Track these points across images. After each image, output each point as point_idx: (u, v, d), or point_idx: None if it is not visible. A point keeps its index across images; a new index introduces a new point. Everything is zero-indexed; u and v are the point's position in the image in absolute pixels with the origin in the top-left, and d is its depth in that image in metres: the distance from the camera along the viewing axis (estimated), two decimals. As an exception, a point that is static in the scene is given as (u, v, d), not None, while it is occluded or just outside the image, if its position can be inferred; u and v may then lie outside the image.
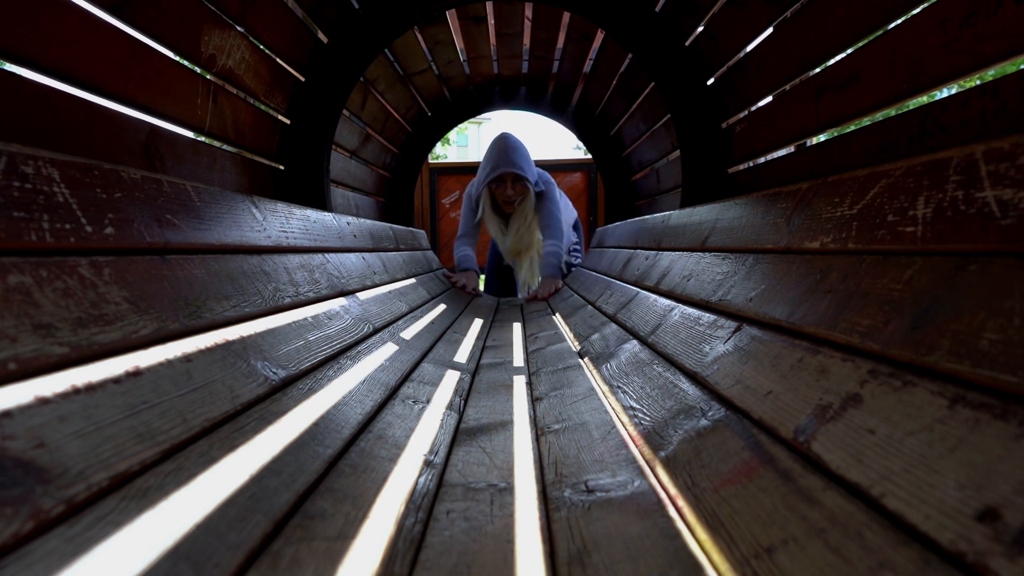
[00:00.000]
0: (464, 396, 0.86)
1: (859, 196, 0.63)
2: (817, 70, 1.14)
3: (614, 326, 1.19)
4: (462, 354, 1.22)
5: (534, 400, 0.84)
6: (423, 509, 0.47)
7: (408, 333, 1.20)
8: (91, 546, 0.31)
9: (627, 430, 0.64)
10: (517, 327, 1.70)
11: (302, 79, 1.65)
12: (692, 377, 0.72)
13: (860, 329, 0.50)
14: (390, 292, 1.45)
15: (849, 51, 1.02)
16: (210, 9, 1.14)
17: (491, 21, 2.54)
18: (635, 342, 0.99)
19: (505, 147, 2.40)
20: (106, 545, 0.32)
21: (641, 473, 0.51)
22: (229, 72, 1.25)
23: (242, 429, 0.52)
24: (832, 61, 1.08)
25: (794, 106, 1.25)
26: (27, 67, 0.75)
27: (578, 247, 2.91)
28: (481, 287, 3.01)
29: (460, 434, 0.70)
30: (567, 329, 1.44)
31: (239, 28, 1.25)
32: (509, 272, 2.83)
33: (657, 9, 1.75)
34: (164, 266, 0.63)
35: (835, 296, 0.58)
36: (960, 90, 0.77)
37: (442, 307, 1.88)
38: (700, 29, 1.63)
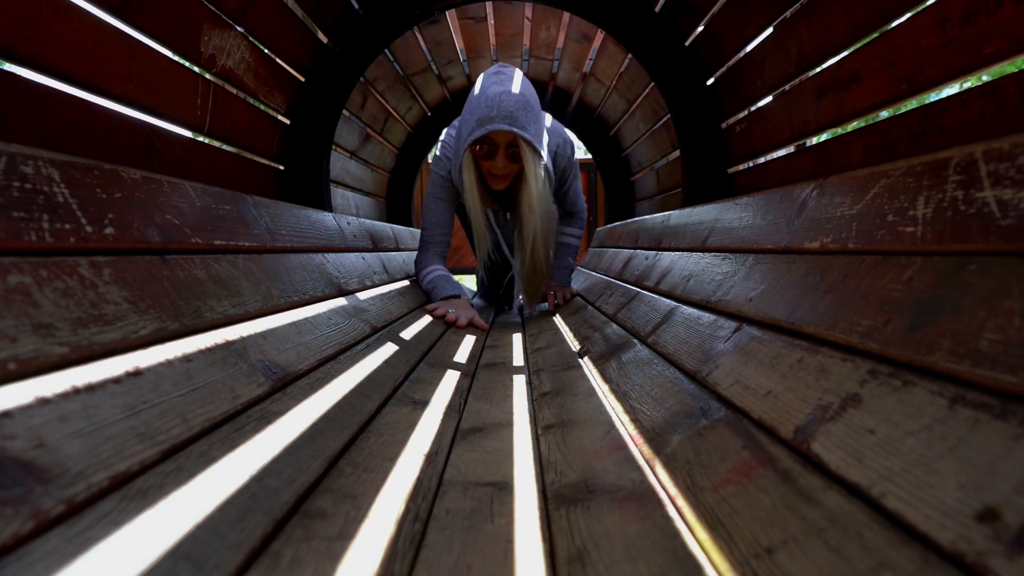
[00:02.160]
0: (464, 396, 0.86)
1: (859, 196, 0.63)
2: (817, 70, 1.14)
3: (614, 326, 1.19)
4: (462, 354, 1.22)
5: (534, 400, 0.84)
6: (423, 508, 0.47)
7: (408, 333, 1.20)
8: (91, 546, 0.31)
9: (627, 430, 0.64)
10: (517, 327, 1.70)
11: (302, 79, 1.65)
12: (692, 377, 0.72)
13: (860, 329, 0.50)
14: (390, 292, 1.45)
15: (849, 51, 1.02)
16: (210, 9, 1.14)
17: (491, 21, 2.54)
18: (635, 342, 0.99)
19: (501, 90, 1.41)
20: (106, 545, 0.32)
21: (641, 473, 0.51)
22: (229, 72, 1.25)
23: (242, 429, 0.52)
24: (832, 61, 1.08)
25: (794, 106, 1.25)
26: (27, 67, 0.75)
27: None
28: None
29: (460, 433, 0.70)
30: (567, 329, 1.44)
31: (239, 28, 1.25)
32: (502, 271, 2.06)
33: (657, 9, 1.75)
34: (164, 266, 0.63)
35: (835, 296, 0.58)
36: (960, 90, 0.77)
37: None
38: (700, 29, 1.63)
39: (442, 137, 1.77)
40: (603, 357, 1.00)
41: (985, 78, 0.74)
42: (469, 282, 3.32)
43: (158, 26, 0.99)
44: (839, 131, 1.09)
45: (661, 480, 0.49)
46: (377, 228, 1.82)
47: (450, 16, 2.46)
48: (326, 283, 1.08)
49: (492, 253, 1.73)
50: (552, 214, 1.60)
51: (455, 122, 1.71)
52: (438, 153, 1.72)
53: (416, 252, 1.79)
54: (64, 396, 0.40)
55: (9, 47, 0.71)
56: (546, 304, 1.84)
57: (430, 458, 0.59)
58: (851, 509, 0.34)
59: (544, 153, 1.47)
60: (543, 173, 1.47)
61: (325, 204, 1.76)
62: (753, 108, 1.49)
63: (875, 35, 0.94)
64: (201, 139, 1.23)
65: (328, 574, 0.35)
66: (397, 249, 1.95)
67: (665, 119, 2.26)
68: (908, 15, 0.85)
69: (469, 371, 1.06)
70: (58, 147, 0.60)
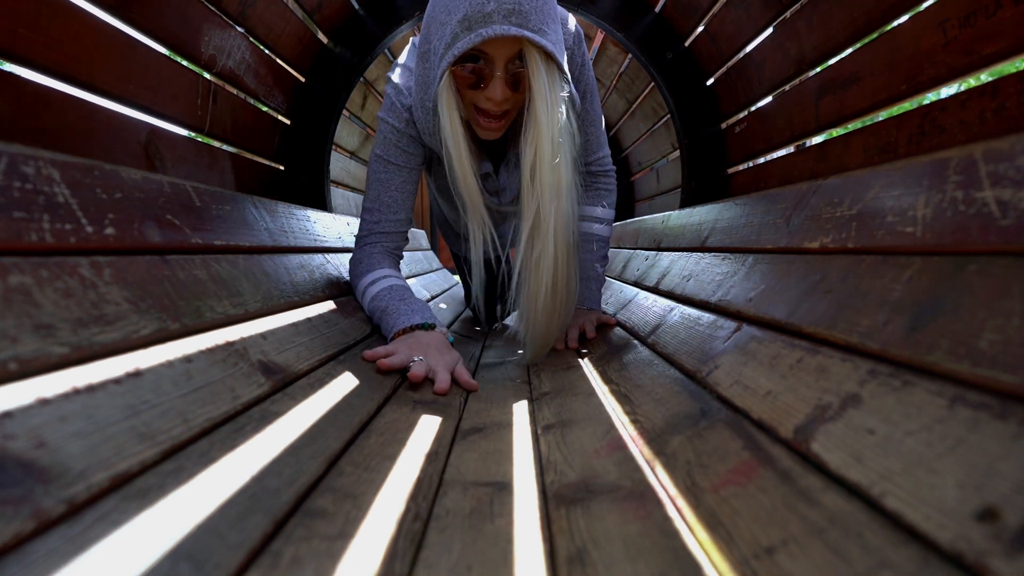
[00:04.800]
0: (464, 395, 0.86)
1: (859, 196, 0.63)
2: (817, 70, 1.14)
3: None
4: (462, 354, 1.22)
5: (534, 399, 0.84)
6: (423, 508, 0.47)
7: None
8: (91, 546, 0.31)
9: (627, 430, 0.64)
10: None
11: (302, 80, 1.65)
12: (692, 377, 0.72)
13: (859, 329, 0.50)
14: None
15: (849, 51, 1.02)
16: (210, 10, 1.14)
17: (491, 21, 2.53)
18: (635, 342, 0.99)
19: None
20: (106, 544, 0.32)
21: (641, 472, 0.51)
22: (229, 73, 1.25)
23: (242, 429, 0.52)
24: (832, 61, 1.08)
25: (794, 106, 1.25)
26: (27, 67, 0.75)
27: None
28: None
29: (460, 433, 0.70)
30: (567, 329, 1.44)
31: (239, 29, 1.25)
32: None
33: (657, 9, 1.75)
34: (164, 266, 0.63)
35: (834, 296, 0.58)
36: (960, 90, 0.77)
37: (443, 307, 1.88)
38: (700, 29, 1.63)
39: (400, 60, 1.11)
40: (603, 357, 1.00)
41: (985, 78, 0.74)
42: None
43: (158, 26, 0.99)
44: (839, 131, 1.09)
45: (661, 480, 0.49)
46: (377, 228, 1.82)
47: (450, 16, 2.45)
48: (326, 283, 1.08)
49: (488, 252, 1.02)
50: (578, 188, 0.94)
51: (416, 37, 1.07)
52: (393, 88, 1.06)
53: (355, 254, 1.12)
54: (65, 396, 0.40)
55: (9, 47, 0.71)
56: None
57: (430, 458, 0.59)
58: (851, 509, 0.34)
59: (566, 71, 0.87)
60: (566, 108, 0.87)
61: (325, 204, 1.77)
62: (753, 108, 1.49)
63: (875, 35, 0.94)
64: (201, 139, 1.23)
65: (328, 573, 0.35)
66: (397, 249, 1.94)
67: (665, 119, 2.26)
68: (908, 15, 0.85)
69: (469, 370, 1.06)
70: (58, 147, 0.60)
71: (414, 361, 0.84)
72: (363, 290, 1.05)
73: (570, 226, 0.93)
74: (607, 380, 0.86)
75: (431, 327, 0.95)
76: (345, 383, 0.75)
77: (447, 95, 0.89)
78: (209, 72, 1.19)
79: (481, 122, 0.93)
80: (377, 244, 1.09)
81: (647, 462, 0.53)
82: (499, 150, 1.10)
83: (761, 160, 1.49)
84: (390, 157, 1.06)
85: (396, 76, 1.08)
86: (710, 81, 1.70)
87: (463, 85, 0.89)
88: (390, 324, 0.96)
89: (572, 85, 0.90)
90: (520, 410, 0.80)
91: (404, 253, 1.17)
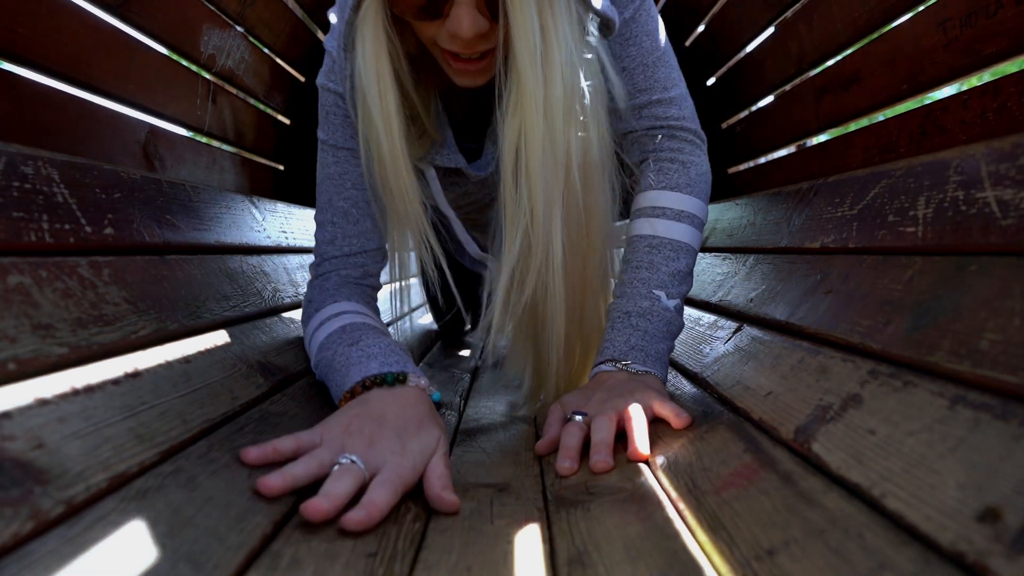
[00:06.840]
0: (464, 396, 0.86)
1: (859, 196, 0.63)
2: (817, 70, 1.14)
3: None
4: (462, 353, 1.22)
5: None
6: (423, 509, 0.47)
7: (408, 332, 1.20)
8: (90, 546, 0.31)
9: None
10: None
11: (302, 79, 1.65)
12: (692, 378, 0.72)
13: (860, 329, 0.50)
14: (390, 292, 1.45)
15: (849, 51, 1.02)
16: (210, 9, 1.14)
17: (491, 21, 2.53)
18: (635, 342, 0.99)
19: None
20: (105, 546, 0.32)
21: (642, 474, 0.51)
22: (229, 72, 1.25)
23: (242, 430, 0.52)
24: (832, 61, 1.08)
25: (794, 106, 1.25)
26: (26, 67, 0.75)
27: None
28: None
29: (460, 434, 0.70)
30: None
31: (239, 28, 1.25)
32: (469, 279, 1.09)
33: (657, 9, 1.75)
34: (164, 266, 0.63)
35: (835, 296, 0.58)
36: (960, 90, 0.77)
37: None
38: (700, 29, 1.63)
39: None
40: (603, 357, 1.00)
41: (986, 78, 0.74)
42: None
43: (158, 26, 0.99)
44: (839, 131, 1.09)
45: (662, 482, 0.49)
46: (377, 228, 1.81)
47: (450, 16, 2.45)
48: (326, 283, 1.08)
49: (434, 261, 0.69)
50: (599, 158, 0.63)
51: None
52: (333, 39, 0.69)
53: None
54: (63, 397, 0.40)
55: (8, 47, 0.71)
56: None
57: (430, 458, 0.59)
58: (852, 510, 0.34)
59: None
60: (575, 49, 0.55)
61: (325, 204, 1.76)
62: (753, 108, 1.49)
63: (875, 35, 0.93)
64: (201, 139, 1.23)
65: (328, 574, 0.35)
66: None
67: (665, 119, 2.26)
68: (908, 15, 0.85)
69: (469, 370, 1.06)
70: (57, 147, 0.60)
71: (338, 464, 0.45)
72: (308, 342, 0.70)
73: (597, 253, 0.63)
74: (607, 380, 0.86)
75: (400, 378, 0.57)
76: (345, 383, 0.75)
77: (371, 22, 0.55)
78: (209, 72, 1.19)
79: (452, 63, 0.59)
80: (332, 275, 0.73)
81: (648, 464, 0.53)
82: (481, 108, 0.69)
83: (761, 160, 1.49)
84: (337, 140, 0.71)
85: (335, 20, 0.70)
86: (710, 81, 1.70)
87: (411, 14, 0.55)
88: (337, 384, 0.60)
89: (594, 14, 0.58)
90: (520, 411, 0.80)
91: (405, 254, 0.76)
